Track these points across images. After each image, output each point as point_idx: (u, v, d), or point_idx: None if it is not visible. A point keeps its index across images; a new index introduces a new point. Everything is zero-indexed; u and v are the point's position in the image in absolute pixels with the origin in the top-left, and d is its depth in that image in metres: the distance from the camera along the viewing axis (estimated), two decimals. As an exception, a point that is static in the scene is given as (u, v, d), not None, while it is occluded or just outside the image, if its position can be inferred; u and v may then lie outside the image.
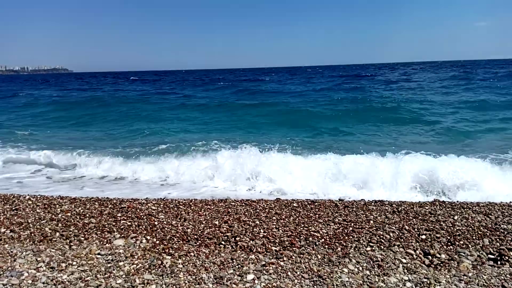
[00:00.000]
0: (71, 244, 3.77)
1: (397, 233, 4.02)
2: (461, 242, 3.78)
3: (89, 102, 23.85)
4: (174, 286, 2.96)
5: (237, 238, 3.88)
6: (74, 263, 3.31)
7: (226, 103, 21.60)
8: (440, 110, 16.37)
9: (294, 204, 5.18)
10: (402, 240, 3.85)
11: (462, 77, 35.16)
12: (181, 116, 17.51)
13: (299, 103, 20.36)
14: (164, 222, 4.41)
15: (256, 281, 3.03)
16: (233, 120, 15.85)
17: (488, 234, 3.96)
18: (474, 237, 3.89)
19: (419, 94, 22.70)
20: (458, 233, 3.99)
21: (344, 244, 3.76)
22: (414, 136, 11.80)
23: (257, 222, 4.39)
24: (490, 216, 4.53)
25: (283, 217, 4.59)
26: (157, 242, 3.81)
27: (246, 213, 4.75)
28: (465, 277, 3.14)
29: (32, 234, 4.01)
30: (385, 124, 13.77)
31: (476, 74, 38.89)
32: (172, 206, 5.11)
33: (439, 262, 3.40)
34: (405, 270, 3.26)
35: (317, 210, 4.89)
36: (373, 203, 5.23)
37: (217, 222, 4.38)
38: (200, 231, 4.09)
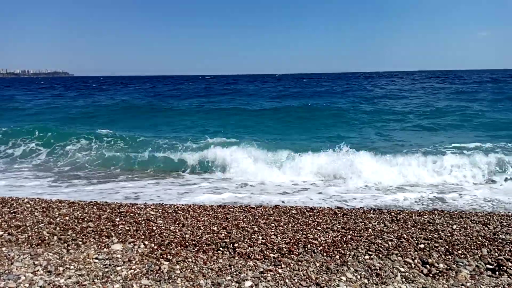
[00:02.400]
0: (69, 248, 3.76)
1: (395, 241, 4.01)
2: (460, 252, 3.78)
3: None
4: (172, 292, 2.95)
5: (235, 245, 3.87)
6: (72, 267, 3.30)
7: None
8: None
9: (293, 211, 5.17)
10: (401, 248, 3.85)
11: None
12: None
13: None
14: (162, 227, 4.40)
15: (253, 288, 3.02)
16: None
17: (486, 244, 3.96)
18: (472, 247, 3.89)
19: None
20: (456, 243, 3.99)
21: (343, 252, 3.75)
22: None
23: (256, 228, 4.39)
24: (488, 226, 4.53)
25: (282, 224, 4.59)
26: (155, 247, 3.80)
27: (245, 220, 4.75)
28: (463, 287, 3.13)
29: (30, 238, 4.00)
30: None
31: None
32: (170, 211, 5.10)
33: (437, 271, 3.40)
34: (403, 279, 3.25)
35: (315, 217, 4.89)
36: (371, 211, 5.24)
37: (215, 228, 4.38)
38: (198, 237, 4.09)
